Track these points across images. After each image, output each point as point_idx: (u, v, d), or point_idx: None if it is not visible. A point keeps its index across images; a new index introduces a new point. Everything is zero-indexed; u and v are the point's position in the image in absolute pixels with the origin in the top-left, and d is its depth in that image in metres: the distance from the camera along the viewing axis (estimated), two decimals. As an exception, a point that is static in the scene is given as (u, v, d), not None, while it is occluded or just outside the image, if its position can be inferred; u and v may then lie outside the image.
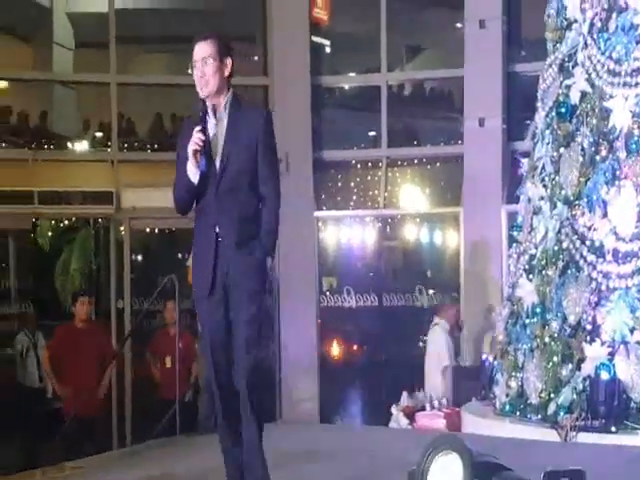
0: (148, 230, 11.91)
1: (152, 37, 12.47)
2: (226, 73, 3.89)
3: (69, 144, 11.88)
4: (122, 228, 11.09)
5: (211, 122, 3.88)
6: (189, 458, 5.34)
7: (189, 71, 3.98)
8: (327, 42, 11.99)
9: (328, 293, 11.41)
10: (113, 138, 11.27)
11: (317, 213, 11.24)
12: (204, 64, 3.85)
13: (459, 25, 10.89)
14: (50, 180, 10.86)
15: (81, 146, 11.87)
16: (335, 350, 11.65)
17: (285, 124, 11.05)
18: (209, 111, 3.87)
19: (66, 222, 11.42)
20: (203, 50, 3.87)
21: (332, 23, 11.87)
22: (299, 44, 11.16)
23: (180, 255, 11.10)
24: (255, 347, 3.79)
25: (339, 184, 11.89)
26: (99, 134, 11.93)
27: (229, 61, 3.89)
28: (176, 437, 6.32)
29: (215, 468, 4.31)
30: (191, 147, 3.78)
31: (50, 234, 11.19)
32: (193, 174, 3.82)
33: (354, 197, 11.71)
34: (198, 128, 3.79)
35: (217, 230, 3.80)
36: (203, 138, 3.78)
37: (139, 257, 11.85)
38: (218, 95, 3.88)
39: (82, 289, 10.09)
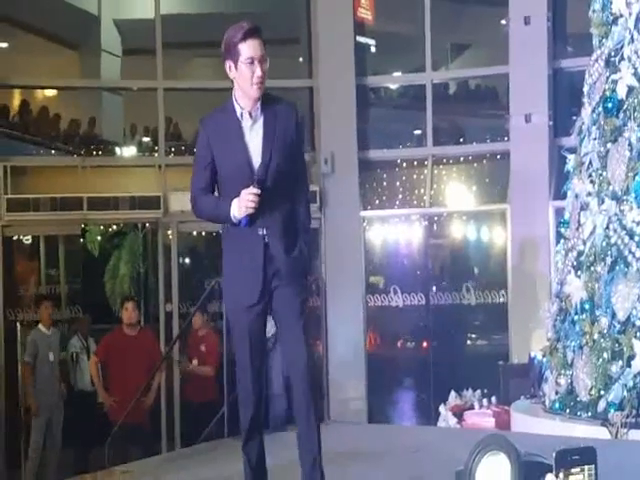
0: (195, 233, 12.03)
1: (198, 42, 12.59)
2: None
3: (117, 150, 12.06)
4: (170, 232, 11.21)
5: (247, 125, 3.70)
6: (236, 461, 5.40)
7: (239, 68, 3.70)
8: (372, 42, 12.01)
9: (375, 292, 11.42)
10: (160, 143, 11.41)
11: (363, 213, 11.26)
12: (264, 62, 3.69)
13: (503, 22, 10.84)
14: (99, 186, 11.02)
15: (129, 152, 12.05)
16: (382, 350, 11.65)
17: (330, 125, 11.12)
18: (243, 112, 3.68)
19: (114, 227, 11.59)
20: (261, 48, 3.70)
21: (376, 23, 11.89)
22: (344, 45, 11.20)
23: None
24: (309, 346, 3.70)
25: (385, 183, 11.89)
26: (146, 139, 12.09)
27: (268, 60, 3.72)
28: (224, 440, 6.37)
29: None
30: (246, 207, 3.57)
31: (99, 239, 11.37)
32: (232, 218, 3.63)
33: (400, 196, 11.70)
34: (256, 191, 3.55)
35: (264, 232, 3.65)
36: (256, 201, 3.56)
37: (187, 260, 11.97)
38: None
39: (130, 293, 10.23)
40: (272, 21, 11.97)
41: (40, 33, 12.14)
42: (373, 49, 12.12)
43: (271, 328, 6.57)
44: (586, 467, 1.20)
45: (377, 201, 11.58)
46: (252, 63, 3.69)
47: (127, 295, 9.66)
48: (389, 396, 11.39)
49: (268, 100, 3.74)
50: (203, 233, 12.17)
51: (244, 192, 3.58)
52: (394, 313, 11.35)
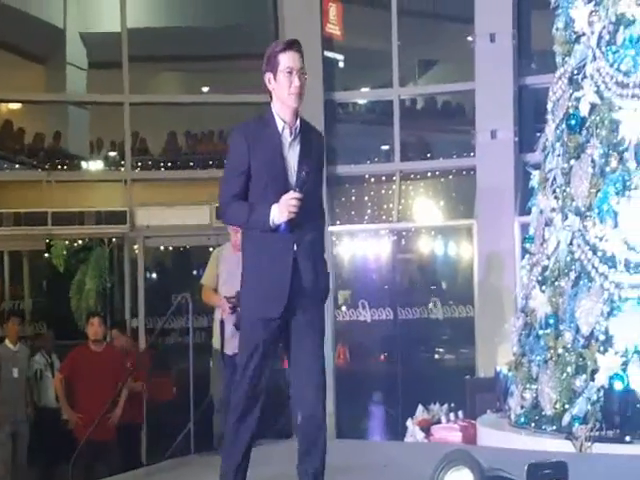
0: (162, 248, 11.98)
1: (165, 56, 12.58)
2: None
3: (83, 164, 11.99)
4: (136, 247, 11.16)
5: (286, 140, 3.75)
6: (202, 478, 5.37)
7: (273, 80, 3.75)
8: (340, 57, 12.06)
9: (343, 307, 11.43)
10: (127, 157, 11.37)
11: (332, 228, 11.27)
12: (302, 75, 3.75)
13: (470, 39, 10.95)
14: (64, 201, 10.95)
15: (95, 166, 11.98)
16: (351, 364, 11.65)
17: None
18: (284, 127, 3.75)
19: (80, 242, 11.50)
20: (299, 60, 3.76)
21: (345, 38, 11.95)
22: (312, 60, 11.06)
23: (195, 272, 11.16)
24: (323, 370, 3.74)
25: (353, 198, 11.93)
26: (112, 154, 12.04)
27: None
28: (190, 457, 6.33)
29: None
30: (289, 211, 3.60)
31: (64, 254, 11.28)
32: (270, 223, 3.64)
33: (368, 211, 11.75)
34: (298, 195, 3.61)
35: (295, 248, 3.66)
36: (297, 205, 3.60)
37: (153, 275, 11.92)
38: (297, 111, 3.79)
39: (96, 309, 10.14)
40: (240, 35, 12.00)
41: (4, 46, 12.04)
42: (341, 64, 12.18)
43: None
44: None
45: (345, 216, 11.62)
46: (290, 73, 3.76)
47: (93, 310, 9.57)
48: (357, 411, 11.38)
49: (302, 122, 3.83)
50: (170, 248, 12.12)
51: (285, 197, 3.63)
52: (362, 328, 11.37)
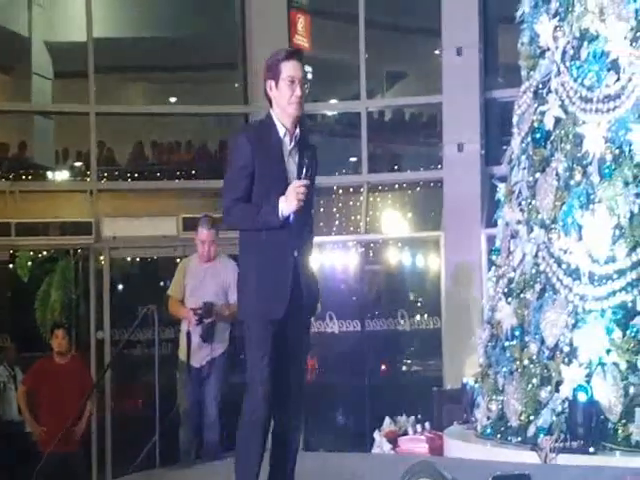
0: (129, 259, 11.91)
1: (131, 66, 12.53)
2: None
3: (48, 174, 11.89)
4: (102, 258, 11.08)
5: (287, 148, 3.85)
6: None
7: (282, 88, 3.86)
8: (308, 69, 12.06)
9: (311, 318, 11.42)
10: (92, 168, 11.30)
11: (299, 239, 11.27)
12: (303, 84, 3.88)
13: (437, 52, 11.04)
14: (28, 211, 10.84)
15: (60, 176, 11.89)
16: (318, 376, 11.63)
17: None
18: (286, 133, 3.85)
19: (45, 253, 11.39)
20: (301, 70, 3.90)
21: (313, 50, 11.98)
22: (279, 72, 11.23)
23: (162, 284, 11.09)
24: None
25: (321, 210, 11.95)
26: (78, 164, 11.95)
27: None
28: (155, 470, 6.28)
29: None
30: (297, 199, 3.69)
31: (29, 265, 11.16)
32: (279, 216, 3.72)
33: (336, 222, 11.77)
34: (305, 182, 3.72)
35: (295, 255, 3.77)
36: (305, 193, 3.70)
37: (119, 287, 11.83)
38: (297, 119, 3.88)
39: (61, 320, 10.04)
40: (208, 46, 12.01)
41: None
42: (310, 76, 12.18)
43: (206, 355, 6.54)
44: None
45: (313, 227, 11.62)
46: (292, 82, 3.87)
47: (57, 322, 9.48)
48: (325, 423, 11.36)
49: (302, 132, 3.94)
50: (137, 259, 12.04)
51: (292, 185, 3.72)
52: (330, 339, 11.36)
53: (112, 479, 8.54)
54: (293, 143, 3.85)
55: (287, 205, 3.71)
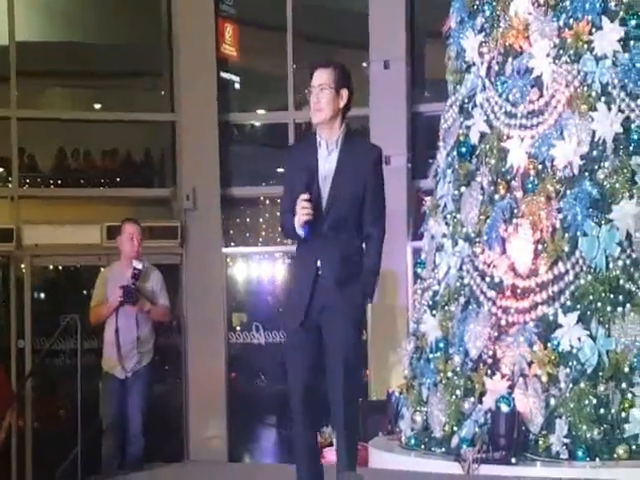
0: (51, 267, 11.66)
1: (55, 71, 12.29)
2: (341, 104, 3.89)
3: (-32, 181, 11.58)
4: (23, 266, 10.83)
5: (322, 154, 3.89)
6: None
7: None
8: (236, 79, 12.04)
9: (237, 329, 11.35)
10: (14, 174, 11.06)
11: (225, 249, 11.21)
12: (320, 91, 3.88)
13: (365, 65, 11.11)
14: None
15: (-20, 182, 11.58)
16: (244, 387, 11.57)
17: (192, 160, 11.05)
18: (321, 141, 3.90)
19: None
20: (321, 77, 3.89)
21: (241, 60, 11.95)
22: (207, 80, 11.18)
23: (85, 292, 10.89)
24: (354, 389, 3.91)
25: (248, 220, 11.90)
26: (-1, 169, 11.67)
27: (345, 92, 3.90)
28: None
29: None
30: (301, 214, 3.79)
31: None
32: (299, 230, 3.85)
33: (263, 233, 11.74)
34: (305, 197, 3.77)
35: (318, 265, 3.82)
36: (310, 209, 3.77)
37: (41, 295, 11.57)
38: (330, 125, 3.89)
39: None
40: (133, 53, 11.85)
41: None
42: (237, 86, 12.16)
43: (134, 365, 6.43)
44: None
45: (240, 238, 11.57)
46: (312, 92, 3.94)
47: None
48: (251, 434, 11.31)
49: (352, 138, 3.97)
50: (60, 267, 11.80)
51: (298, 200, 3.80)
52: (256, 350, 11.32)
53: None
54: (329, 149, 3.89)
55: (297, 221, 3.82)
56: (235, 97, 12.00)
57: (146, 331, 6.55)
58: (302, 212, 3.77)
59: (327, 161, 3.88)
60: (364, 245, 3.91)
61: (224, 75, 11.65)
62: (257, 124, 12.56)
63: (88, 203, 11.28)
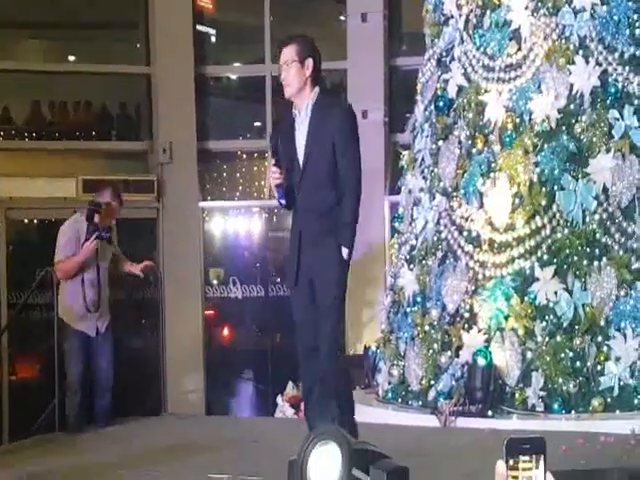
0: (26, 221, 11.55)
1: (29, 22, 12.05)
2: (307, 74, 4.18)
3: (-59, 133, 11.39)
4: (-3, 219, 10.72)
5: (298, 122, 4.19)
6: (66, 454, 5.25)
7: None
8: (212, 31, 11.87)
9: (215, 284, 11.34)
10: (-13, 126, 10.88)
11: (202, 204, 11.15)
12: (287, 67, 4.20)
13: (342, 18, 10.98)
14: None
15: (-46, 135, 11.40)
16: (221, 341, 11.60)
17: (169, 113, 10.93)
18: (295, 112, 4.18)
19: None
20: (285, 54, 4.23)
21: (217, 12, 11.76)
22: (183, 32, 11.02)
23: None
24: (338, 329, 4.26)
25: (225, 174, 11.82)
26: (-28, 122, 11.48)
27: (310, 61, 4.18)
28: (54, 434, 6.18)
29: (79, 465, 4.22)
30: (271, 180, 4.12)
31: None
32: (274, 193, 4.20)
33: (240, 188, 11.67)
34: (272, 162, 4.08)
35: (300, 227, 4.16)
36: (277, 173, 4.05)
37: (16, 248, 11.47)
38: (301, 96, 4.18)
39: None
40: (109, 4, 11.63)
41: None
42: (213, 39, 11.99)
43: (102, 325, 6.37)
44: (535, 456, 1.27)
45: (217, 192, 11.50)
46: (282, 69, 4.26)
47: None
48: (228, 388, 11.35)
49: (323, 100, 4.24)
50: (35, 221, 11.69)
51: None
52: (233, 305, 11.32)
53: (9, 444, 8.32)
54: (301, 117, 4.16)
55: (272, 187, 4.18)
56: (212, 50, 11.84)
57: (107, 289, 6.43)
58: (272, 177, 4.10)
59: (302, 127, 4.16)
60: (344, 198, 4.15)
61: (200, 28, 11.48)
62: (234, 77, 12.42)
63: (63, 156, 11.13)
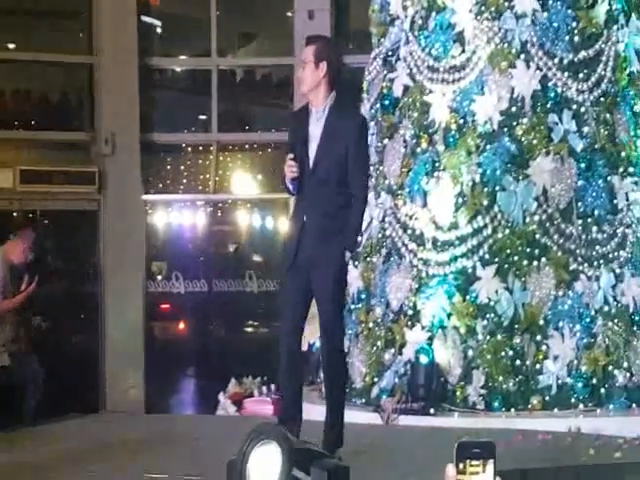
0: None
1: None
2: (320, 75, 4.24)
3: None
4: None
5: (313, 119, 4.29)
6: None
7: None
8: (158, 23, 11.75)
9: (158, 279, 11.22)
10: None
11: (145, 197, 11.02)
12: (304, 65, 4.31)
13: (290, 14, 10.96)
14: None
15: None
16: (163, 337, 11.49)
17: (111, 104, 10.77)
18: (311, 108, 4.28)
19: None
20: (305, 52, 4.35)
21: (162, 4, 11.64)
22: (127, 22, 10.87)
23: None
24: (339, 328, 4.33)
25: (169, 167, 11.70)
26: None
27: (323, 64, 4.24)
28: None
29: (10, 464, 4.14)
30: (287, 174, 4.19)
31: None
32: (288, 185, 4.26)
33: (184, 181, 11.57)
34: (291, 156, 4.16)
35: (305, 219, 4.24)
36: (295, 167, 4.15)
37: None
38: (316, 94, 4.27)
39: None
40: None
41: None
42: (159, 30, 11.86)
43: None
44: (483, 461, 1.27)
45: (160, 185, 11.38)
46: (301, 65, 4.39)
47: None
48: (168, 385, 11.23)
49: (340, 105, 4.35)
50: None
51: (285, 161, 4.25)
52: (176, 299, 11.22)
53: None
54: (317, 115, 4.25)
55: (285, 176, 4.23)
56: (157, 42, 11.71)
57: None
58: (288, 170, 4.18)
59: (317, 126, 4.27)
60: (352, 203, 4.27)
61: (146, 19, 11.34)
62: (179, 69, 12.30)
63: (1, 146, 10.91)
